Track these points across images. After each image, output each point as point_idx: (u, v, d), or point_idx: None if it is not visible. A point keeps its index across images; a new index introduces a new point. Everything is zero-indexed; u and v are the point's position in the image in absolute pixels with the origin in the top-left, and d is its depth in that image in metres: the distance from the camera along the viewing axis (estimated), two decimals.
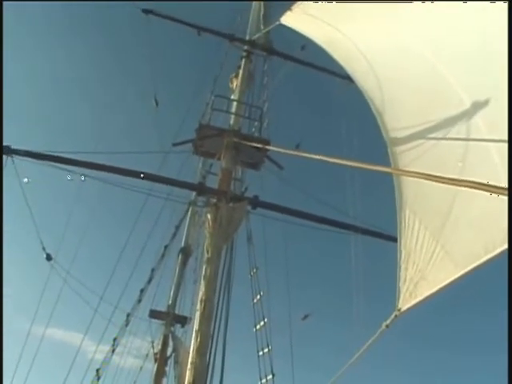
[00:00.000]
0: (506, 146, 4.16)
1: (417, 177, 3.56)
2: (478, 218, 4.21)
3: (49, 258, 10.86)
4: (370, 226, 10.20)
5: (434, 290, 4.45)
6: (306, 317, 11.29)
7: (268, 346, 9.17)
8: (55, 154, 9.89)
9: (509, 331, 3.52)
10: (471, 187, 2.83)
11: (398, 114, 5.76)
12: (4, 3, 9.30)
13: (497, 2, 4.53)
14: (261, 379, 8.94)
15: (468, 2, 5.03)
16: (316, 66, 13.25)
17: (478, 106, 4.59)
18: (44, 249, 10.79)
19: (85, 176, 9.82)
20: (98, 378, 13.46)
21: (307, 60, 13.18)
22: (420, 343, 35.83)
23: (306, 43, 11.00)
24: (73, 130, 37.22)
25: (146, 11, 13.63)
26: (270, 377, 8.88)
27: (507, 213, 3.39)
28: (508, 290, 3.54)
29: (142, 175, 10.11)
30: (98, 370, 13.54)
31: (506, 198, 2.84)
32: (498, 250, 3.88)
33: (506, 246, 3.82)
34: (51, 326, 12.55)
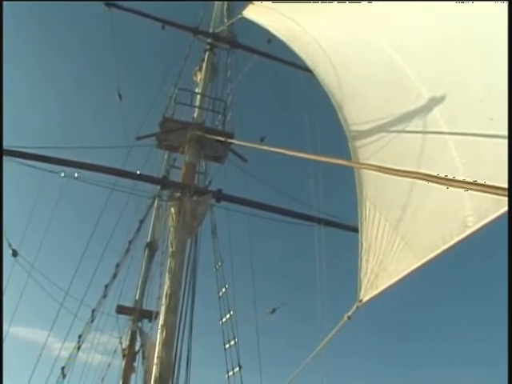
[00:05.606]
0: (462, 138, 4.26)
1: (375, 170, 3.61)
2: (435, 209, 4.30)
3: (15, 253, 10.65)
4: (333, 217, 10.31)
5: (395, 280, 4.53)
6: (274, 310, 11.40)
7: (234, 339, 9.22)
8: (19, 150, 9.73)
9: (509, 330, 3.59)
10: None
11: (358, 108, 5.82)
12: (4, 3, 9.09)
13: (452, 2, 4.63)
14: (228, 371, 8.99)
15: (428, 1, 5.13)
16: (280, 59, 13.25)
17: (436, 100, 4.66)
18: (10, 245, 10.60)
19: (48, 171, 9.74)
20: (64, 376, 13.29)
21: (272, 53, 13.18)
22: (385, 334, 36.48)
23: (271, 37, 10.99)
24: (37, 124, 36.54)
25: (109, 4, 13.44)
26: (237, 369, 8.94)
27: (507, 213, 3.46)
28: (508, 289, 3.61)
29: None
30: (63, 368, 13.35)
31: (461, 190, 2.90)
32: (456, 240, 3.96)
33: (462, 236, 3.91)
34: (14, 323, 12.33)
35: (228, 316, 9.46)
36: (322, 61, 6.61)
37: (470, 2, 4.51)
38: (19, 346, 31.05)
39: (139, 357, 18.51)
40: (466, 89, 4.45)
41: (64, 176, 9.77)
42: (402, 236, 4.58)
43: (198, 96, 12.19)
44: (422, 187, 4.20)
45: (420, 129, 4.77)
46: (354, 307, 4.72)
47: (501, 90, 3.84)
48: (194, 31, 13.65)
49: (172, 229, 9.81)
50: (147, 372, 16.12)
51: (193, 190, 10.23)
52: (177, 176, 11.67)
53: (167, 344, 8.79)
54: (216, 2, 14.34)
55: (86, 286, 13.32)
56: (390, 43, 5.64)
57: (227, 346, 9.21)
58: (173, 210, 9.92)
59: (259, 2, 8.71)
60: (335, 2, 6.64)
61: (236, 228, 11.09)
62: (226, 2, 14.08)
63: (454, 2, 4.68)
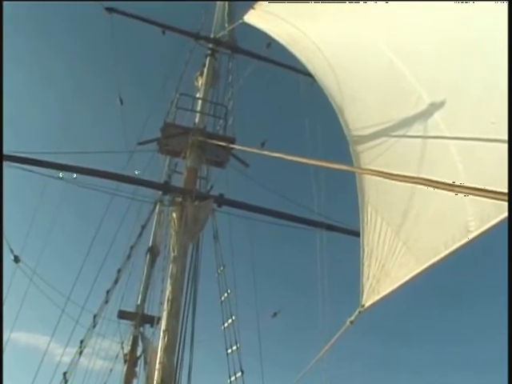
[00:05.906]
0: (464, 142, 4.25)
1: (377, 175, 3.60)
2: (437, 214, 4.29)
3: (17, 259, 10.61)
4: (335, 222, 10.29)
5: (397, 285, 4.53)
6: (275, 314, 11.38)
7: (236, 344, 9.18)
8: (19, 155, 9.70)
9: (509, 333, 3.58)
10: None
11: (358, 112, 5.81)
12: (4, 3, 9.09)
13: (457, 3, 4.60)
14: (230, 377, 8.96)
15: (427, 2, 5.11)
16: (281, 64, 13.26)
17: (436, 104, 4.65)
18: (12, 251, 10.57)
19: (49, 176, 9.75)
20: (66, 382, 13.24)
21: (272, 58, 13.18)
22: (388, 339, 36.45)
23: (271, 41, 11.00)
24: (36, 127, 36.54)
25: (110, 10, 13.43)
26: (239, 374, 8.90)
27: (507, 216, 3.45)
28: (508, 293, 3.60)
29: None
30: (65, 374, 13.31)
31: (463, 195, 2.88)
32: (458, 245, 3.96)
33: (464, 241, 3.90)
34: (16, 329, 12.31)
35: (230, 321, 9.43)
36: (321, 64, 6.60)
37: (470, 3, 4.49)
38: (21, 352, 31.03)
39: (141, 362, 18.47)
40: (466, 90, 4.44)
41: (62, 177, 9.76)
42: (404, 241, 4.57)
43: (199, 101, 12.19)
44: (423, 192, 4.17)
45: (421, 133, 4.76)
46: (357, 312, 4.71)
47: (501, 91, 3.83)
48: (195, 36, 13.67)
49: (174, 234, 9.78)
50: (149, 377, 16.07)
51: (194, 194, 10.20)
52: (178, 181, 11.66)
53: (169, 349, 8.75)
54: (217, 5, 14.35)
55: (88, 291, 13.32)
56: (389, 45, 5.63)
57: (229, 351, 9.17)
58: (174, 215, 9.90)
59: (260, 3, 8.68)
60: (334, 3, 6.62)
61: (238, 233, 11.09)
62: (226, 7, 14.08)
63: (454, 3, 4.66)
